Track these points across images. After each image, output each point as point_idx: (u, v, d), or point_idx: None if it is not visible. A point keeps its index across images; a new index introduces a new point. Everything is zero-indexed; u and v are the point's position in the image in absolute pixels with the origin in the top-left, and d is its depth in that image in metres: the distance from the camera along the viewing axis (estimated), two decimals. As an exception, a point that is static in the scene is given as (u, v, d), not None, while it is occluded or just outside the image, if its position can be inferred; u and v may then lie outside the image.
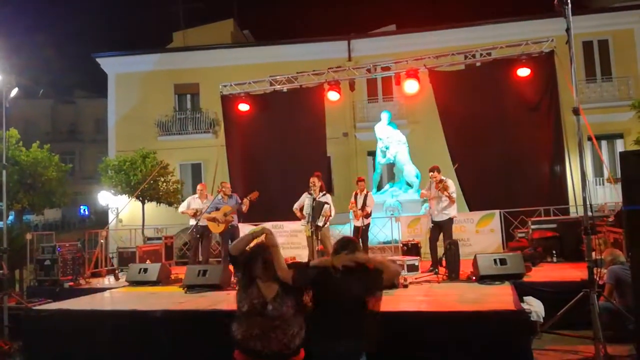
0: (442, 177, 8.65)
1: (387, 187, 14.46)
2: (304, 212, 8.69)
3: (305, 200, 8.80)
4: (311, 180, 8.80)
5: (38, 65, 29.32)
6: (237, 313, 3.51)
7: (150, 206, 16.62)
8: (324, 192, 8.88)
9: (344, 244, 3.66)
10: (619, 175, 5.44)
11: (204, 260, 9.69)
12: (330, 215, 8.68)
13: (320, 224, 8.47)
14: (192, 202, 9.69)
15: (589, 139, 10.60)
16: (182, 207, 9.85)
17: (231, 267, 8.82)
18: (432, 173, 8.68)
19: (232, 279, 8.40)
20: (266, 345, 3.36)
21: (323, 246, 8.73)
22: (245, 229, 11.51)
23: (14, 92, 8.10)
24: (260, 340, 3.36)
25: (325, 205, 8.52)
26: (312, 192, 8.74)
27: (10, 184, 14.00)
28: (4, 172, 8.14)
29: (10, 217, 16.87)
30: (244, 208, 9.23)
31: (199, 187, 9.99)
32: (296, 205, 9.01)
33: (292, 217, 11.11)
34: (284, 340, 3.38)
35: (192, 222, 9.55)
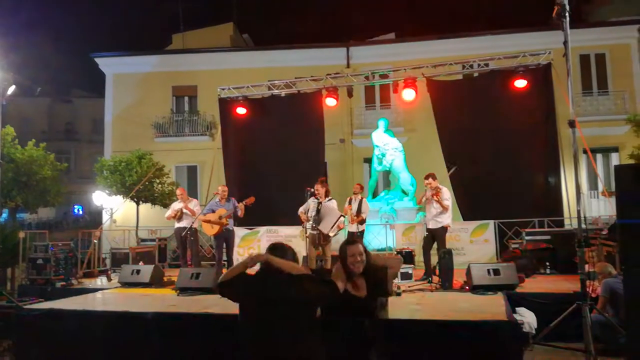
0: (438, 185, 8.67)
1: (382, 194, 14.48)
2: (309, 215, 8.74)
3: (310, 204, 8.84)
4: (315, 187, 8.84)
5: (36, 64, 29.30)
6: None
7: (145, 207, 16.58)
8: (330, 197, 8.92)
9: (273, 248, 3.52)
10: (613, 188, 5.47)
11: (195, 263, 9.70)
12: (343, 227, 8.75)
13: (332, 234, 8.52)
14: (175, 206, 10.01)
15: (584, 151, 10.67)
16: (167, 213, 10.22)
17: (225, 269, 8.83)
18: (427, 180, 8.70)
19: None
20: None
21: (321, 252, 8.74)
22: (240, 232, 11.55)
23: (11, 89, 8.11)
24: None
25: (341, 218, 8.59)
26: (318, 197, 8.79)
27: (4, 182, 13.96)
28: (-1, 169, 8.13)
29: (4, 215, 16.79)
30: (240, 213, 9.26)
31: (178, 191, 10.31)
32: (301, 209, 9.04)
33: (288, 222, 11.17)
34: None
35: (176, 224, 9.84)
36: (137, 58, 21.71)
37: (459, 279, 7.79)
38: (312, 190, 8.94)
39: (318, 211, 8.58)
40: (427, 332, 5.29)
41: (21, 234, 10.34)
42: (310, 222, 8.60)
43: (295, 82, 13.03)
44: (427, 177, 8.72)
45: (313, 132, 12.93)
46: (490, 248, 10.80)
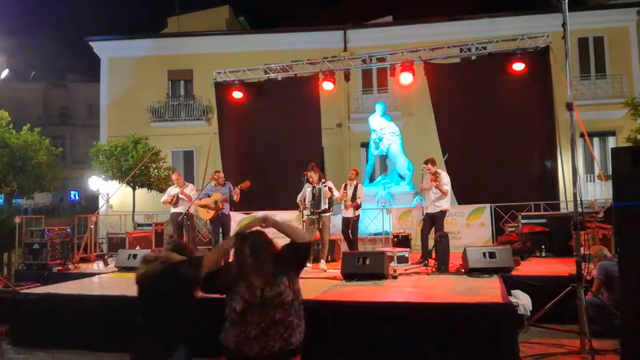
0: (437, 170, 8.66)
1: (379, 178, 14.48)
2: (307, 202, 8.75)
3: (306, 190, 8.84)
4: (307, 175, 8.80)
5: (30, 48, 28.92)
6: (227, 320, 3.13)
7: (141, 192, 16.56)
8: (324, 180, 8.90)
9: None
10: (609, 172, 5.46)
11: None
12: (333, 195, 8.74)
13: (326, 206, 8.57)
14: (171, 191, 9.98)
15: (581, 135, 10.66)
16: (163, 198, 10.21)
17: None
18: (426, 165, 8.68)
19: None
20: (264, 346, 2.98)
21: (320, 236, 8.74)
22: (236, 217, 11.52)
23: (5, 73, 8.03)
24: (258, 342, 2.97)
25: (322, 188, 8.58)
26: (312, 183, 8.78)
27: (-1, 167, 13.90)
28: (-7, 154, 8.08)
29: (0, 200, 16.75)
30: (235, 197, 9.24)
31: (173, 176, 10.29)
32: (299, 197, 9.04)
33: (284, 206, 11.16)
34: (285, 334, 3.01)
35: (172, 209, 9.81)
36: (132, 42, 21.50)
37: (455, 262, 7.83)
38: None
39: (313, 195, 8.59)
40: (424, 315, 5.32)
41: (17, 219, 10.32)
42: (309, 208, 8.65)
43: (292, 66, 12.93)
44: (426, 162, 8.69)
45: (310, 116, 12.86)
46: (486, 231, 10.84)
